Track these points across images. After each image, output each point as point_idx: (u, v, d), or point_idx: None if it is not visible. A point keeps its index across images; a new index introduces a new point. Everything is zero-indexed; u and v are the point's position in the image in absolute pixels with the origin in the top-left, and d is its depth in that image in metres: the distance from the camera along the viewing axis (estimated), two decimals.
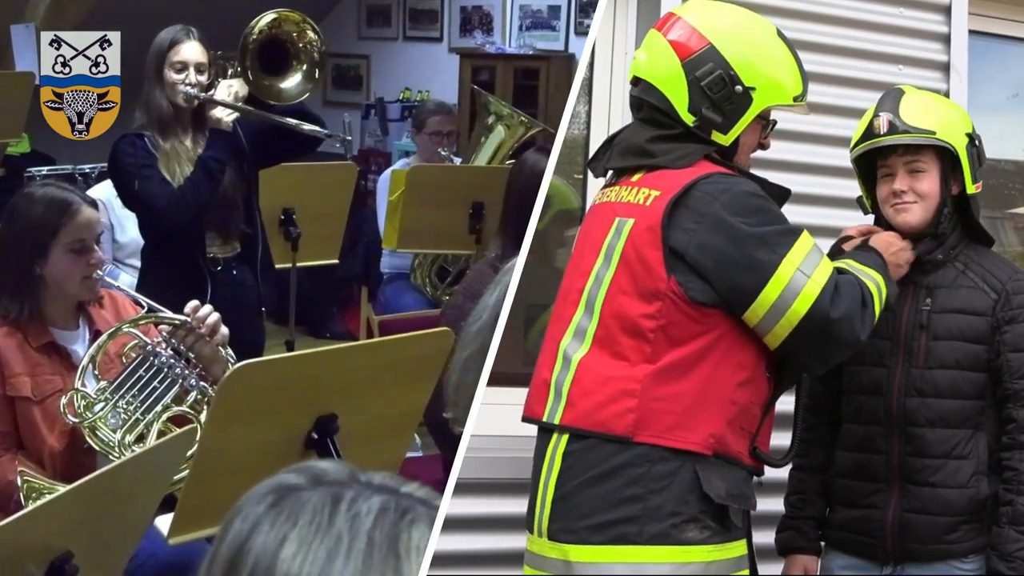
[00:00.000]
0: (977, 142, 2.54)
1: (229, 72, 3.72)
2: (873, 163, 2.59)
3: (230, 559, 1.01)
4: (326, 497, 1.02)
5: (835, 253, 2.50)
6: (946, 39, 3.35)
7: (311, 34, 3.71)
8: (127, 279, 4.03)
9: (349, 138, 3.90)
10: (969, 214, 2.57)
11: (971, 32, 3.40)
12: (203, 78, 3.61)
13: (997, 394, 2.51)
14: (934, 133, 2.49)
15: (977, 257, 2.57)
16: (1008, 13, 3.56)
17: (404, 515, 1.02)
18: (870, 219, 2.66)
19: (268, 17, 3.66)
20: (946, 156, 2.51)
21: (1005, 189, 3.69)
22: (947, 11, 3.35)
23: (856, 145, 2.58)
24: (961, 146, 2.51)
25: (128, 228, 4.31)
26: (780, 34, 2.36)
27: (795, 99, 2.35)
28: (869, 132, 2.54)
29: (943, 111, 2.57)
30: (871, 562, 2.56)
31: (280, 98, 3.68)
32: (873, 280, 2.32)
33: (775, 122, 2.39)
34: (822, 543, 2.66)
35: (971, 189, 2.54)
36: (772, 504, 2.67)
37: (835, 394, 2.63)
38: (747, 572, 2.27)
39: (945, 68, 3.33)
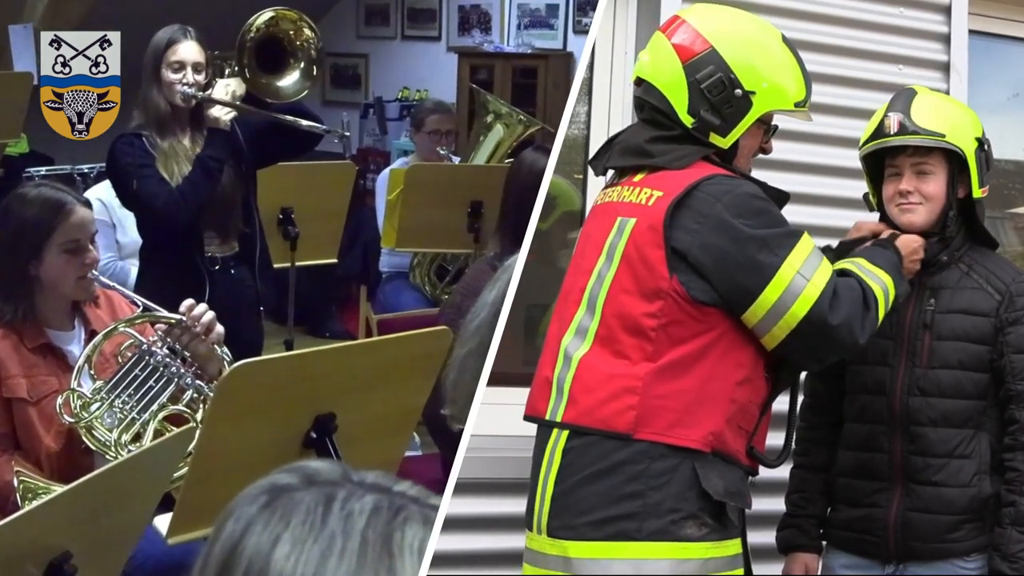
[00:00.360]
0: (986, 146, 2.54)
1: (227, 72, 3.72)
2: (881, 162, 2.59)
3: (223, 560, 1.00)
4: (319, 497, 1.02)
5: (845, 249, 2.50)
6: (946, 39, 3.34)
7: (308, 32, 3.70)
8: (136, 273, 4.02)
9: (348, 134, 3.89)
10: (974, 217, 2.58)
11: (971, 32, 3.39)
12: (200, 77, 3.61)
13: (1000, 395, 2.51)
14: (944, 136, 2.49)
15: (981, 259, 2.57)
16: (1008, 13, 3.55)
17: (397, 514, 1.02)
18: (874, 216, 2.66)
19: (265, 15, 3.66)
20: (954, 159, 2.51)
21: (1005, 189, 3.68)
22: (947, 11, 3.34)
23: (865, 143, 2.58)
24: (970, 150, 2.51)
25: (129, 228, 4.31)
26: (785, 39, 2.36)
27: (797, 104, 2.35)
28: (879, 131, 2.54)
29: (954, 114, 2.57)
30: (873, 561, 2.56)
31: (278, 96, 3.67)
32: (879, 282, 2.32)
33: (776, 127, 2.39)
34: (823, 542, 2.66)
35: (977, 193, 2.55)
36: (772, 503, 2.67)
37: (837, 393, 2.63)
38: (741, 571, 2.27)
39: (945, 68, 3.33)
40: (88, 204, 2.98)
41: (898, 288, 2.37)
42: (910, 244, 2.48)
